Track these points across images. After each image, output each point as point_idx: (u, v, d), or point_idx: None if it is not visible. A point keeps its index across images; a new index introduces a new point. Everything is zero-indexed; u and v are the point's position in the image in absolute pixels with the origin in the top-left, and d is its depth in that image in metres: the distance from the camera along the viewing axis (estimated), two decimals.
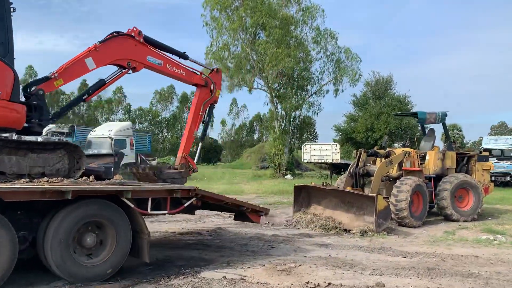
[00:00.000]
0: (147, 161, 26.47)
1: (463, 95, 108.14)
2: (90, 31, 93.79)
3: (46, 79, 6.29)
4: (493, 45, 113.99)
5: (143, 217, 5.81)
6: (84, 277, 5.14)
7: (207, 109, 8.32)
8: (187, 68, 7.85)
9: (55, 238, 4.94)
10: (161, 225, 9.88)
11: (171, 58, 7.52)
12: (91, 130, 26.72)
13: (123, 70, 7.03)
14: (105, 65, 6.94)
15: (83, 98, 7.04)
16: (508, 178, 23.31)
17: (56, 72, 6.33)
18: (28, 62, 62.22)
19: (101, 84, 7.02)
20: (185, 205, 6.25)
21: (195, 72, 8.00)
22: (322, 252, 7.27)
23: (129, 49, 6.91)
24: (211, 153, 66.14)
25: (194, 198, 6.27)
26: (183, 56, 7.73)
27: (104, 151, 24.48)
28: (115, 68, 7.10)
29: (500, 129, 69.67)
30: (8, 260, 4.63)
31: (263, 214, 7.63)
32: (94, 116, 61.93)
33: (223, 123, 76.71)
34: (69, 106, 7.51)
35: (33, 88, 6.15)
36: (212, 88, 8.20)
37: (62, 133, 26.77)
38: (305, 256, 6.92)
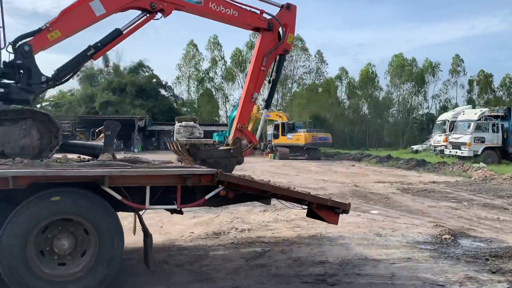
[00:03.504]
0: None
1: None
2: None
3: (38, 31, 5.03)
4: None
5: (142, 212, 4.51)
6: None
7: (275, 61, 6.23)
8: (241, 6, 5.86)
9: (6, 239, 3.64)
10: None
11: None
12: None
13: (148, 15, 5.51)
14: (120, 10, 5.41)
15: (89, 54, 5.30)
16: None
17: (50, 22, 5.01)
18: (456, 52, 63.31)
19: (115, 35, 5.39)
20: (207, 197, 4.41)
21: (253, 11, 5.94)
22: None
23: None
24: None
25: (221, 187, 4.41)
26: None
27: None
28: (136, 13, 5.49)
29: None
30: None
31: (341, 212, 5.27)
32: None
33: None
34: (70, 66, 5.33)
35: (21, 44, 4.95)
36: (280, 33, 6.09)
37: (496, 117, 24.93)
38: None
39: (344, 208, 5.24)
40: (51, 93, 56.19)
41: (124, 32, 5.43)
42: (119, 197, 3.94)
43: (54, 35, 4.96)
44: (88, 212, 3.85)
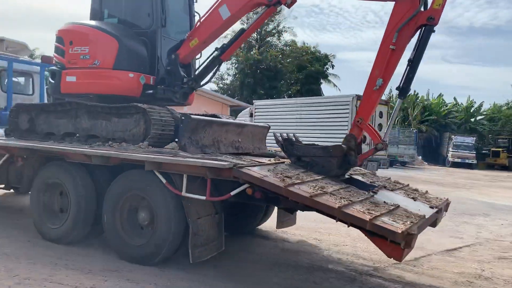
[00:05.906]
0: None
1: None
2: None
3: (183, 41, 5.92)
4: None
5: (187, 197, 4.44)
6: (131, 257, 4.79)
7: (420, 36, 4.47)
8: None
9: (105, 210, 4.97)
10: None
11: None
12: None
13: (267, 8, 5.59)
14: (246, 11, 5.78)
15: (215, 55, 5.86)
16: None
17: (191, 31, 5.83)
18: None
19: (239, 34, 5.80)
20: (232, 193, 4.21)
21: None
22: None
23: None
24: None
25: (247, 185, 4.07)
26: None
27: None
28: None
29: None
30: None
31: (397, 243, 3.31)
32: None
33: None
34: (203, 70, 6.06)
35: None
36: None
37: None
38: None
39: (392, 238, 3.26)
40: (484, 106, 45.87)
41: (247, 29, 5.84)
42: (164, 180, 4.49)
43: (194, 43, 5.78)
44: (149, 190, 4.66)
